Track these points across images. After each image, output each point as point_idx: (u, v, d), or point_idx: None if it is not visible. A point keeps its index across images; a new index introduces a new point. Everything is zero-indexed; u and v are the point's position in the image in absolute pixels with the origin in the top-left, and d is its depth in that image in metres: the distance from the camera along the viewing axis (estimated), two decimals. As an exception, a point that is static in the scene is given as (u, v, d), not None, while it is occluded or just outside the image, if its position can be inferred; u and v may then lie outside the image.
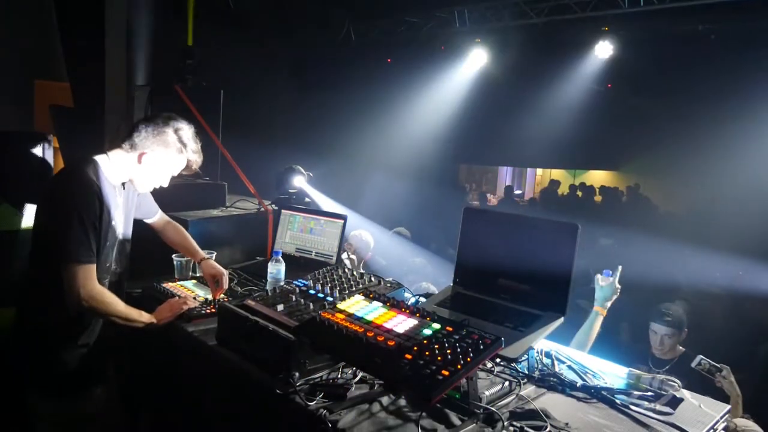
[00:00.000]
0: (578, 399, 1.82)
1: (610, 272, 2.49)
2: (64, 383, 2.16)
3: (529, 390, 1.86)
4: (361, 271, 2.51)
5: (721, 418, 1.75)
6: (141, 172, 2.23)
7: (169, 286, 2.67)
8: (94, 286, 2.04)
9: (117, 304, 2.14)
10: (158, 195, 3.34)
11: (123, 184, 2.27)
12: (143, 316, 2.24)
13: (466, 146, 14.07)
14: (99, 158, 2.16)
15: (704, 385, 2.87)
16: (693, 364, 2.97)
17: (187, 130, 2.28)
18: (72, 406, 2.17)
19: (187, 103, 3.71)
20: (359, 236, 4.42)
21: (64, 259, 2.00)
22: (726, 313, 5.06)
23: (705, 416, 1.73)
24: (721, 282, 5.36)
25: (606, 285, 2.47)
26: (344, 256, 3.86)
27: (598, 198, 14.88)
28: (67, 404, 2.17)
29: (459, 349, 1.54)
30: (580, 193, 14.73)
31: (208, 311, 2.38)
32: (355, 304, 1.90)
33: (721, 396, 2.85)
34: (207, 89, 4.25)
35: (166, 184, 2.35)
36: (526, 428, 1.61)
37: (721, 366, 2.94)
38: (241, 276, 2.96)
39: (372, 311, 1.84)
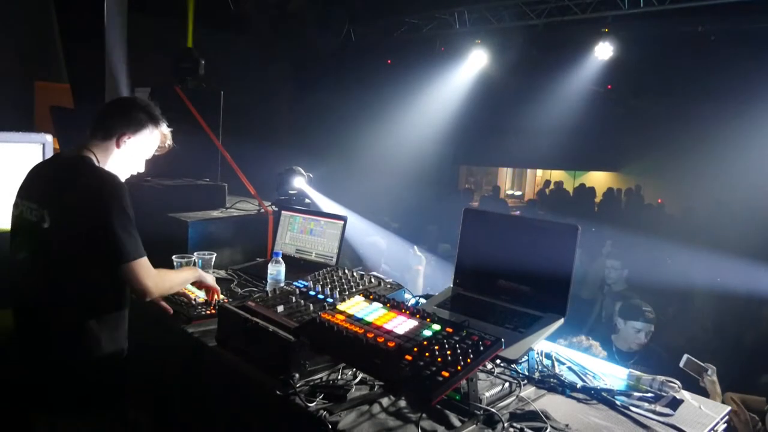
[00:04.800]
0: (578, 400, 1.82)
1: None
2: (86, 397, 2.02)
3: (529, 391, 1.86)
4: (361, 272, 2.51)
5: (721, 419, 1.75)
6: (120, 158, 2.15)
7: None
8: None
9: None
10: (159, 196, 3.36)
11: None
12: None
13: (466, 147, 14.09)
14: (90, 156, 2.07)
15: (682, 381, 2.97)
16: (681, 364, 3.02)
17: (152, 105, 2.24)
18: (91, 422, 2.05)
19: (187, 104, 3.72)
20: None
21: (121, 260, 1.94)
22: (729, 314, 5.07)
23: (705, 417, 1.73)
24: (720, 283, 5.37)
25: None
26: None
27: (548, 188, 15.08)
28: (85, 419, 2.04)
29: (459, 351, 1.54)
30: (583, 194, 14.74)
31: (208, 312, 2.38)
32: (355, 305, 1.90)
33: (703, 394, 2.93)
34: (207, 90, 4.25)
35: (142, 169, 2.28)
36: (526, 429, 1.61)
37: (707, 365, 2.99)
38: (241, 277, 2.96)
39: (372, 312, 1.83)
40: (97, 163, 2.07)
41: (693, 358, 3.00)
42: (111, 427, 2.10)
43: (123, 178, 2.20)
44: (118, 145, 2.12)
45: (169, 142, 2.31)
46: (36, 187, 2.08)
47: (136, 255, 1.97)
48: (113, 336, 2.06)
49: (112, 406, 2.09)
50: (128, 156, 2.18)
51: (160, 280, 2.06)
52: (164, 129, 2.26)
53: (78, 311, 1.98)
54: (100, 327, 2.01)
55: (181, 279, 2.32)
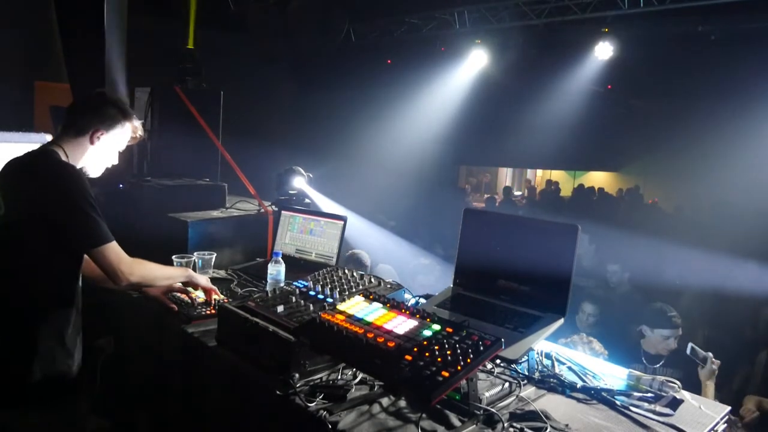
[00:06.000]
0: (578, 400, 1.82)
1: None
2: (44, 390, 1.96)
3: (529, 391, 1.86)
4: (361, 272, 2.50)
5: (722, 419, 1.75)
6: (94, 153, 2.18)
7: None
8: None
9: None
10: (159, 196, 3.36)
11: None
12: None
13: (466, 147, 14.10)
14: (57, 150, 2.08)
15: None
16: (687, 351, 3.16)
17: (122, 99, 2.28)
18: (47, 417, 1.99)
19: (187, 104, 3.72)
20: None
21: (90, 245, 1.97)
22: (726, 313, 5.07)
23: (705, 417, 1.73)
24: (718, 281, 5.36)
25: None
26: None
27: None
28: (42, 416, 1.97)
29: (459, 351, 1.54)
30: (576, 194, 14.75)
31: (208, 312, 2.38)
32: (355, 306, 1.90)
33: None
34: (207, 90, 4.25)
35: (116, 161, 2.31)
36: (526, 429, 1.61)
37: (708, 353, 3.16)
38: (241, 277, 2.96)
39: (372, 312, 1.83)
40: (64, 158, 2.08)
41: (696, 347, 3.17)
42: (70, 421, 2.05)
43: (99, 172, 2.26)
44: (92, 142, 2.16)
45: (140, 133, 2.34)
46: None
47: (105, 239, 1.98)
48: (62, 331, 1.99)
49: (65, 402, 2.03)
50: (102, 151, 2.21)
51: (137, 267, 2.07)
52: (135, 122, 2.30)
53: (24, 302, 1.96)
54: (46, 320, 1.96)
55: (165, 273, 2.31)
